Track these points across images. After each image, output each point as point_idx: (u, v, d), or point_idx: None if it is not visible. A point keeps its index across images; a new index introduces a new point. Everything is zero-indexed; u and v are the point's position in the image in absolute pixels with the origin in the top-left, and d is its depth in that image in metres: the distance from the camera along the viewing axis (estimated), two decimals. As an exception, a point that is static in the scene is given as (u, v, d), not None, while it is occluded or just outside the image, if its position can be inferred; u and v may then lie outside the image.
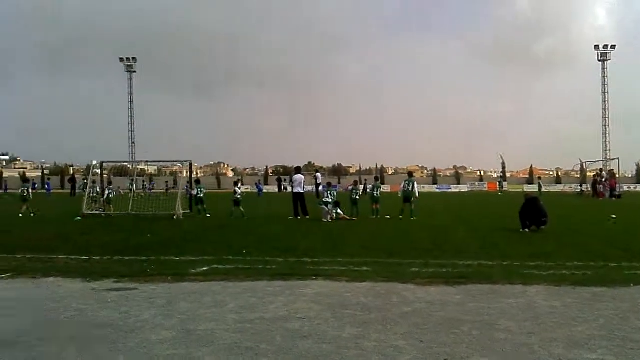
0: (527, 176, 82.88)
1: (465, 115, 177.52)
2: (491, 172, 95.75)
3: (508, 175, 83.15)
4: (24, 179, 31.86)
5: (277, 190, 60.71)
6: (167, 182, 63.62)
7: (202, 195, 23.61)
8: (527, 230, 14.89)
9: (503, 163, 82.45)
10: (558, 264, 9.54)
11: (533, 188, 50.29)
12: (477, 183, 79.01)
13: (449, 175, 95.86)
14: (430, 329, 5.49)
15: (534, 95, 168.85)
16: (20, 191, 25.69)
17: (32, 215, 22.83)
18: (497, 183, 65.64)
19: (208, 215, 22.45)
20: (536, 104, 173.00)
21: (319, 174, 42.62)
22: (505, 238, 13.59)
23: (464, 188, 74.48)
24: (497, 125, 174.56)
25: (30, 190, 25.23)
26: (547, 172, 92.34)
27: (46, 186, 54.50)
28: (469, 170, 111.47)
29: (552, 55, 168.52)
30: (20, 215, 22.81)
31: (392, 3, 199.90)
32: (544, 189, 47.10)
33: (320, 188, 34.05)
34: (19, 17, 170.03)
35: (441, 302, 6.72)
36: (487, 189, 71.74)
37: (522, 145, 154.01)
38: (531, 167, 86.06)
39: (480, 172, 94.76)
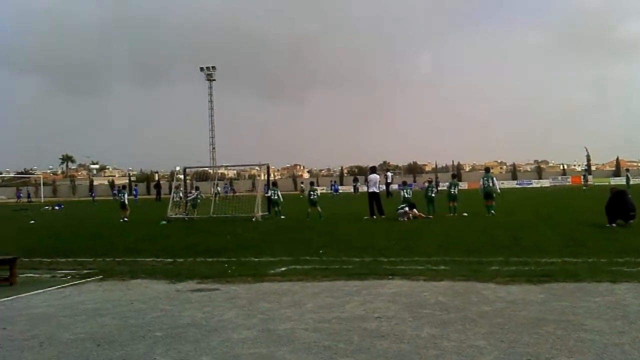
0: (614, 168, 78.93)
1: (545, 107, 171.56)
2: (575, 165, 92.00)
3: (593, 168, 79.41)
4: (122, 186, 33.45)
5: (352, 190, 60.73)
6: (226, 185, 64.86)
7: (275, 197, 23.87)
8: (614, 225, 14.21)
9: (588, 156, 78.96)
10: (649, 260, 9.04)
11: (620, 181, 47.84)
12: (559, 177, 75.91)
13: (529, 170, 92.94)
14: (512, 329, 5.34)
15: (618, 82, 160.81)
16: (119, 197, 26.95)
17: (121, 221, 23.77)
18: (582, 177, 62.70)
19: (282, 217, 22.74)
20: (621, 92, 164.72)
21: (389, 174, 42.62)
22: (591, 234, 13.00)
23: (545, 183, 71.88)
24: (579, 116, 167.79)
25: (126, 196, 26.45)
26: (635, 164, 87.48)
27: (134, 192, 57.07)
28: (551, 164, 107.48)
29: (636, 40, 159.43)
30: (123, 220, 23.70)
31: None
32: (632, 181, 44.65)
33: (393, 187, 33.69)
34: (104, 31, 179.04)
35: (523, 301, 6.52)
36: (570, 184, 68.85)
37: (607, 136, 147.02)
38: (617, 158, 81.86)
39: (563, 166, 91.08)
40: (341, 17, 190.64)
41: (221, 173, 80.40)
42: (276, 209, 23.65)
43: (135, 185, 69.27)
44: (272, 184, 25.46)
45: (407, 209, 19.41)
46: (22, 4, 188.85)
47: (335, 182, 69.25)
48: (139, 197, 57.73)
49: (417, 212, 19.69)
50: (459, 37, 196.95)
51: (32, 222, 25.97)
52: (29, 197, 72.81)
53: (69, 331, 5.91)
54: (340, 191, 60.66)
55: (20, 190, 77.85)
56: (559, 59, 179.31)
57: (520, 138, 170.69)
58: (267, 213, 23.47)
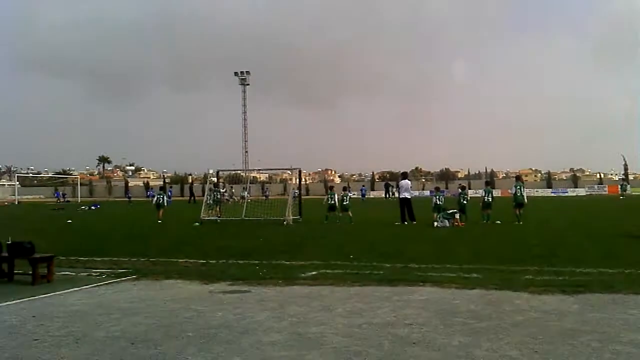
0: (653, 177, 76.97)
1: (582, 114, 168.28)
2: (612, 174, 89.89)
3: (631, 177, 77.46)
4: (160, 188, 33.70)
5: (383, 195, 60.44)
6: (266, 189, 65.06)
7: (348, 202, 22.89)
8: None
9: (625, 164, 77.12)
10: (690, 272, 8.80)
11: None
12: (596, 186, 74.25)
13: (565, 178, 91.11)
14: (545, 340, 5.26)
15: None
16: (155, 199, 27.34)
17: (159, 222, 23.84)
18: (619, 186, 61.20)
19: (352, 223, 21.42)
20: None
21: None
22: (628, 244, 12.71)
23: (581, 192, 70.38)
24: (617, 124, 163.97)
25: (165, 198, 26.81)
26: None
27: (168, 194, 57.87)
28: (587, 173, 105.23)
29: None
30: (160, 222, 23.67)
31: (500, 3, 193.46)
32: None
33: (425, 193, 33.28)
34: (141, 37, 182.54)
35: (557, 311, 6.41)
36: (607, 193, 67.33)
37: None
38: (657, 167, 79.65)
39: (600, 175, 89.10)
40: (375, 23, 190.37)
41: (253, 176, 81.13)
42: (336, 213, 22.55)
43: (170, 187, 70.05)
44: (343, 189, 25.01)
45: (457, 215, 19.29)
46: (65, 11, 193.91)
47: (363, 187, 68.79)
48: (172, 198, 58.65)
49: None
50: (495, 45, 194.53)
51: (69, 221, 26.54)
52: (64, 197, 74.40)
53: (103, 329, 6.03)
54: (366, 196, 60.50)
55: (58, 190, 79.83)
56: (597, 67, 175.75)
57: (555, 146, 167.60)
58: (298, 217, 23.49)
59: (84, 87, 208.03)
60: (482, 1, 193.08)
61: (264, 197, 48.78)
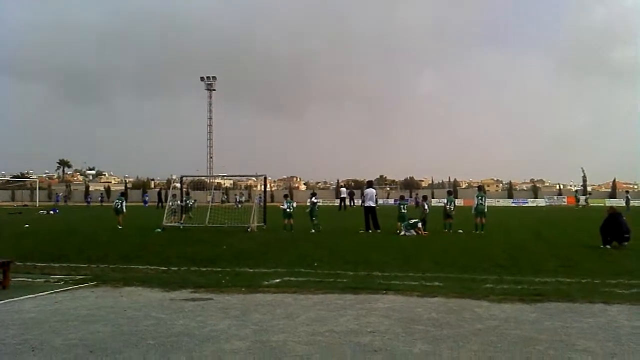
0: (610, 190, 79.11)
1: (543, 126, 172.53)
2: (571, 185, 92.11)
3: (589, 189, 79.56)
4: (121, 193, 32.80)
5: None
6: (241, 194, 65.07)
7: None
8: (608, 246, 14.25)
9: (584, 177, 79.27)
10: (642, 282, 9.07)
11: (615, 202, 48.10)
12: (555, 197, 76.01)
13: (525, 189, 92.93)
14: (504, 348, 5.36)
15: (616, 105, 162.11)
16: (114, 204, 26.68)
17: (119, 228, 23.33)
18: (575, 197, 63.10)
19: (313, 231, 21.12)
20: (619, 115, 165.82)
21: (343, 189, 43.15)
22: (585, 254, 13.05)
23: (541, 202, 71.90)
24: (577, 137, 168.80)
25: (124, 204, 26.02)
26: (632, 186, 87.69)
27: (144, 198, 60.06)
28: (547, 184, 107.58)
29: (635, 65, 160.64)
30: (120, 227, 23.27)
31: (465, 15, 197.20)
32: (632, 203, 44.83)
33: (389, 202, 33.64)
34: (106, 41, 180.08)
35: (516, 319, 6.54)
36: (566, 203, 69.02)
37: (604, 157, 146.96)
38: (614, 180, 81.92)
39: (560, 186, 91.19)
40: (342, 34, 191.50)
41: (217, 182, 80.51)
42: (315, 221, 22.17)
43: (146, 192, 70.02)
44: (311, 194, 24.56)
45: (420, 224, 19.46)
46: (28, 14, 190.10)
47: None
48: (144, 203, 59.60)
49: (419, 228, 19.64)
50: (460, 58, 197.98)
51: (27, 226, 25.86)
52: (65, 199, 73.38)
53: (61, 337, 5.90)
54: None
55: (58, 194, 78.03)
56: (558, 81, 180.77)
57: (517, 157, 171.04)
58: (262, 224, 23.35)
59: (46, 90, 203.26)
60: (449, 15, 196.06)
61: (237, 205, 47.32)
